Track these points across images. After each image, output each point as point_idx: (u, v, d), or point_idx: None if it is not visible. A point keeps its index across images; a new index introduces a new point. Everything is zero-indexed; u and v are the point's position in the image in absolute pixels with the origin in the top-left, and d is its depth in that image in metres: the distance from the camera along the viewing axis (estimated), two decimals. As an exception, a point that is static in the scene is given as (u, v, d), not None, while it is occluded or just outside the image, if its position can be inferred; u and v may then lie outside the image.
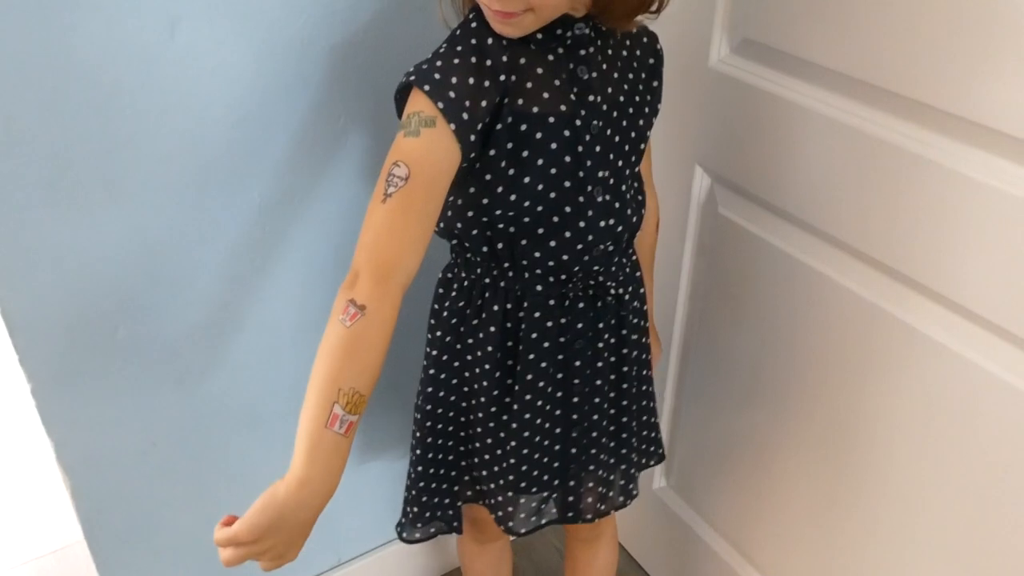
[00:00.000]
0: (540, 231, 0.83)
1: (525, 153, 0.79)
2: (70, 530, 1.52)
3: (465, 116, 0.74)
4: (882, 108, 0.85)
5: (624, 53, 0.84)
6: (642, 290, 0.97)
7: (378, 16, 0.95)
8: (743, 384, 1.13)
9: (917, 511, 0.92)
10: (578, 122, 0.79)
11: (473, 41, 0.77)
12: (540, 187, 0.80)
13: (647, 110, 0.88)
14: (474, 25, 0.78)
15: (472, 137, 0.75)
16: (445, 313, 0.91)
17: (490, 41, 0.77)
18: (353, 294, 0.70)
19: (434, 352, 0.92)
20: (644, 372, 0.99)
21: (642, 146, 0.89)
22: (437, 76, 0.74)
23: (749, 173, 1.02)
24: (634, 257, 0.95)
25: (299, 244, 1.03)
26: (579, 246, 0.84)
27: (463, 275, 0.89)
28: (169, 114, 0.87)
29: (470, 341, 0.90)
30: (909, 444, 0.91)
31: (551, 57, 0.79)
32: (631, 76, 0.85)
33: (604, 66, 0.82)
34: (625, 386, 0.96)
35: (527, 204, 0.81)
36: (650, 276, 1.07)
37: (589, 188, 0.82)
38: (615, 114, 0.83)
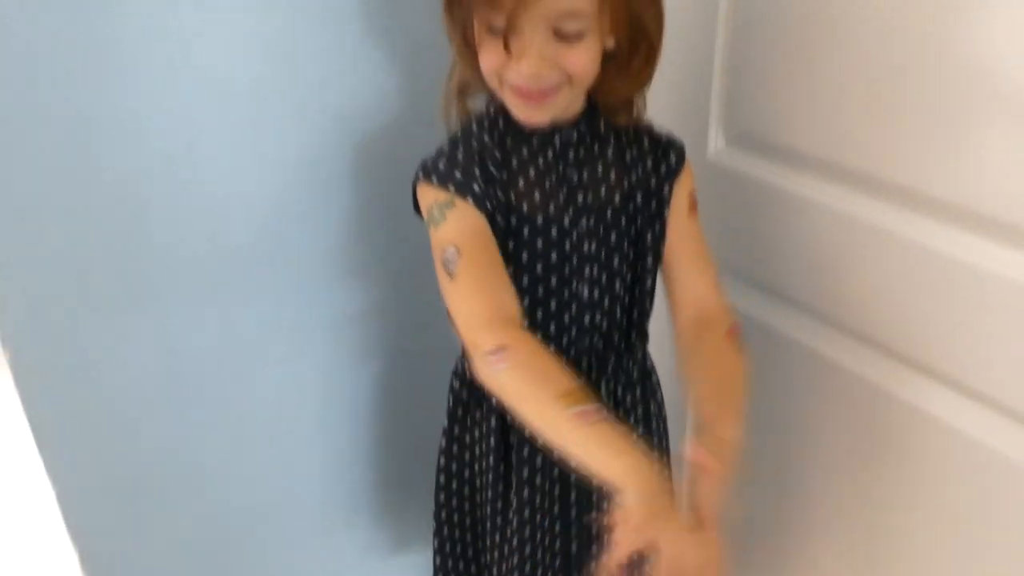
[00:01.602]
0: (527, 322, 0.83)
1: (511, 246, 0.81)
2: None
3: (476, 188, 0.78)
4: (875, 195, 0.86)
5: (628, 158, 0.85)
6: (659, 400, 0.94)
7: (388, 127, 1.00)
8: (757, 469, 1.12)
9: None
10: (566, 222, 0.82)
11: (473, 143, 0.81)
12: (526, 281, 0.82)
13: (650, 214, 0.86)
14: (474, 128, 0.82)
15: (489, 205, 0.79)
16: (451, 404, 0.93)
17: (486, 139, 0.81)
18: (485, 349, 0.72)
19: (443, 443, 0.94)
20: None
21: (647, 246, 0.87)
22: (441, 167, 0.79)
23: (751, 260, 1.04)
24: (648, 364, 0.93)
25: (316, 344, 1.05)
26: (564, 340, 0.85)
27: (467, 365, 0.90)
28: (189, 224, 0.92)
29: (475, 433, 0.91)
30: (926, 528, 0.89)
31: (542, 160, 0.82)
32: (635, 178, 0.85)
33: (599, 167, 0.84)
34: None
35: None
36: (725, 397, 0.82)
37: (575, 284, 0.83)
38: (610, 215, 0.84)
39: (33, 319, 0.86)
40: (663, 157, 0.86)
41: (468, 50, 0.79)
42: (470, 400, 0.91)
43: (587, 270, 0.84)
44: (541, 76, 0.74)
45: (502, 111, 0.81)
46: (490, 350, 0.71)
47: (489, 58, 0.76)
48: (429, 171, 0.80)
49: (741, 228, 1.04)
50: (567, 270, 0.83)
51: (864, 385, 0.92)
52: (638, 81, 0.81)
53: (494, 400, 0.87)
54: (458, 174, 0.79)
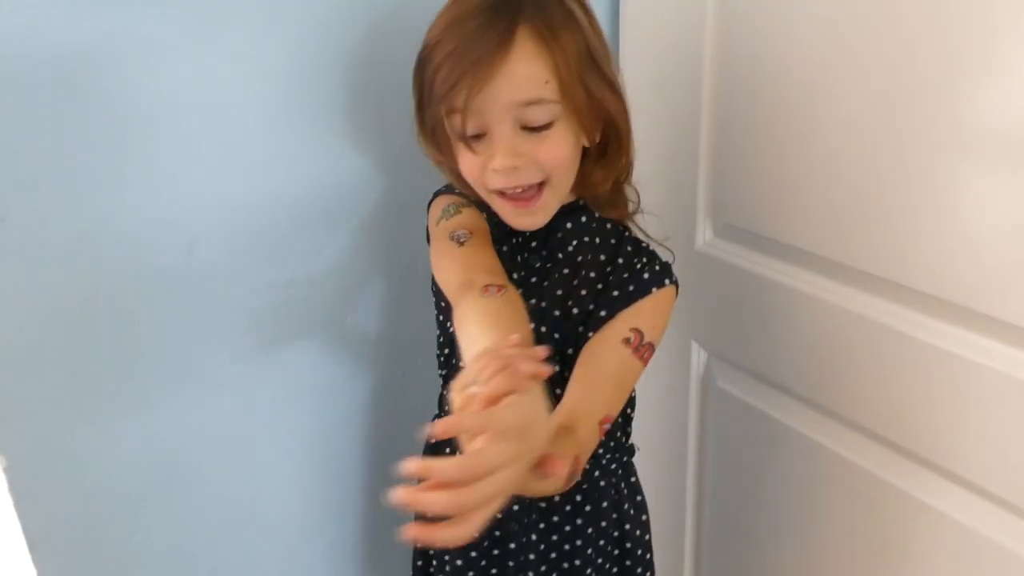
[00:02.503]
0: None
1: None
2: None
3: (487, 212, 0.82)
4: (860, 287, 0.88)
5: (593, 273, 0.83)
6: (626, 512, 0.90)
7: (386, 231, 1.02)
8: (762, 563, 1.11)
9: None
10: None
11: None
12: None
13: (599, 305, 0.82)
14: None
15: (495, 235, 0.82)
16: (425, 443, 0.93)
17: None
18: (484, 283, 0.72)
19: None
20: None
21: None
22: (458, 190, 0.85)
23: (742, 348, 1.05)
24: (612, 467, 0.89)
25: (316, 439, 1.06)
26: None
27: (438, 409, 0.92)
28: (186, 326, 0.93)
29: None
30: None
31: (506, 247, 0.84)
32: (597, 290, 0.82)
33: (561, 256, 0.83)
34: None
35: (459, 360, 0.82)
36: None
37: None
38: (563, 311, 0.82)
39: (27, 422, 0.86)
40: (632, 281, 0.82)
41: (444, 159, 0.81)
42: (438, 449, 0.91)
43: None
44: (517, 170, 0.73)
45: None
46: (485, 286, 0.71)
47: (467, 166, 0.77)
48: (450, 187, 0.86)
49: (730, 317, 1.05)
50: None
51: (857, 472, 0.92)
52: (615, 169, 0.82)
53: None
54: (475, 199, 0.83)
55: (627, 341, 0.78)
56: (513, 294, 0.72)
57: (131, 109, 0.83)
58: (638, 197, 0.89)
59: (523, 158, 0.73)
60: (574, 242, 0.84)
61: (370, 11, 0.93)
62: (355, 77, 0.94)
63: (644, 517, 0.94)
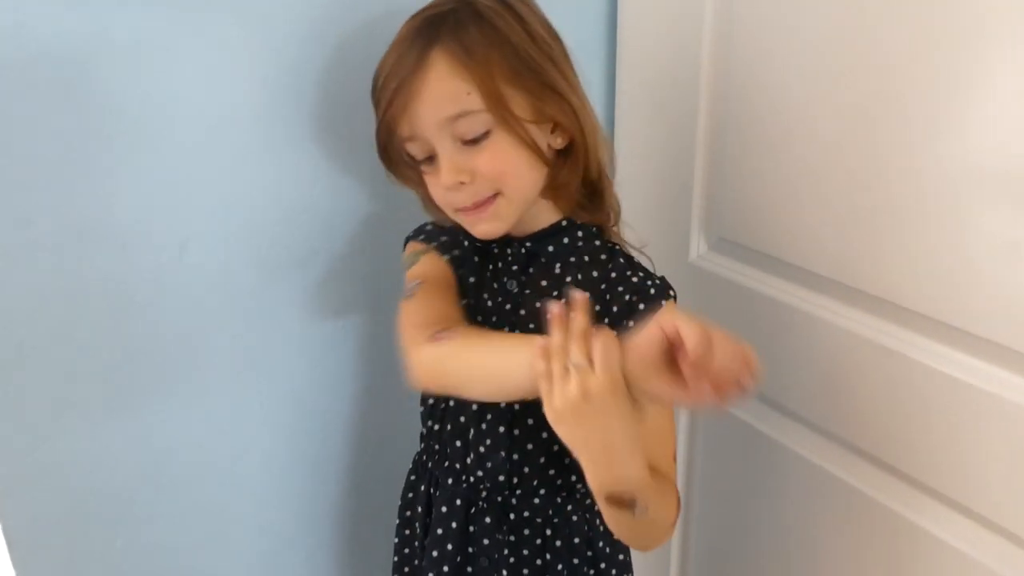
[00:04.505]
0: (460, 418, 0.84)
1: None
2: None
3: (456, 252, 0.84)
4: (854, 305, 0.88)
5: (585, 290, 0.78)
6: (601, 550, 0.87)
7: (378, 236, 1.02)
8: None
9: None
10: (488, 326, 0.83)
11: (444, 236, 0.88)
12: None
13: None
14: (447, 224, 0.88)
15: (460, 272, 0.84)
16: (404, 485, 0.94)
17: (455, 235, 0.87)
18: (428, 335, 0.74)
19: (396, 522, 0.95)
20: None
21: None
22: (429, 227, 0.89)
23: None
24: (587, 502, 0.86)
25: (302, 444, 1.05)
26: (480, 448, 0.83)
27: (417, 450, 0.93)
28: (176, 327, 0.92)
29: (415, 525, 0.91)
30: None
31: (488, 272, 0.85)
32: (595, 307, 0.80)
33: (543, 285, 0.83)
34: None
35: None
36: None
37: None
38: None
39: (9, 421, 0.85)
40: (627, 310, 0.80)
41: (409, 186, 0.85)
42: (415, 488, 0.92)
43: None
44: (464, 186, 0.76)
45: None
46: (433, 333, 0.74)
47: (432, 191, 0.81)
48: (420, 231, 0.89)
49: (726, 331, 1.05)
50: None
51: (845, 489, 0.92)
52: (579, 167, 0.81)
53: (421, 488, 0.89)
54: (443, 237, 0.86)
55: None
56: (464, 332, 0.75)
57: (123, 109, 0.83)
58: (619, 206, 0.88)
59: (467, 173, 0.76)
60: (558, 264, 0.83)
61: (366, 13, 0.93)
62: (351, 78, 0.94)
63: (622, 557, 0.90)
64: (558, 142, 0.80)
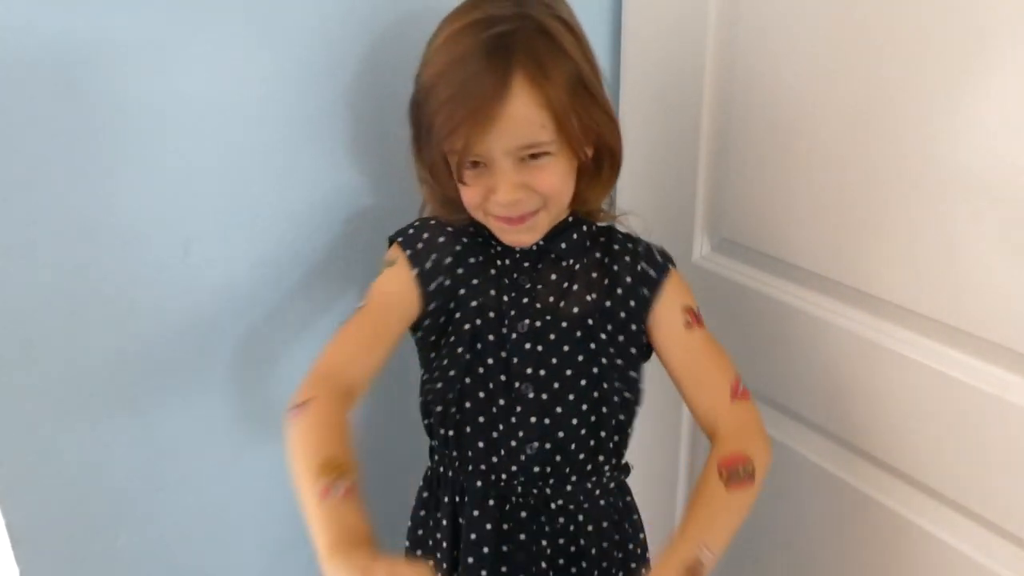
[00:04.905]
0: (480, 419, 0.83)
1: (453, 340, 0.83)
2: None
3: (428, 265, 0.83)
4: (857, 306, 0.88)
5: (594, 274, 0.85)
6: (626, 531, 0.89)
7: (384, 236, 1.01)
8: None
9: None
10: (506, 322, 0.83)
11: (440, 236, 0.86)
12: (468, 380, 0.83)
13: (617, 337, 0.85)
14: (445, 223, 0.87)
15: (432, 286, 0.83)
16: (415, 503, 0.93)
17: (451, 234, 0.85)
18: (294, 402, 0.74)
19: (407, 543, 0.93)
20: None
21: (610, 367, 0.83)
22: (411, 231, 0.86)
23: (739, 367, 1.04)
24: (611, 485, 0.88)
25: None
26: (512, 442, 0.83)
27: (430, 463, 0.91)
28: (178, 327, 0.92)
29: (436, 536, 0.89)
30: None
31: (498, 264, 0.85)
32: (599, 293, 0.84)
33: (560, 279, 0.84)
34: None
35: (454, 395, 0.83)
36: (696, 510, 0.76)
37: (517, 384, 0.83)
38: (565, 324, 0.83)
39: (14, 419, 0.86)
40: (641, 280, 0.85)
41: (438, 186, 0.82)
42: (429, 504, 0.91)
43: (530, 370, 0.83)
44: (519, 202, 0.77)
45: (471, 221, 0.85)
46: (295, 404, 0.73)
47: (470, 195, 0.79)
48: (399, 234, 0.87)
49: (725, 332, 1.04)
50: (508, 368, 0.83)
51: (852, 492, 0.92)
52: (610, 185, 0.85)
53: (445, 499, 0.87)
54: (420, 244, 0.84)
55: (688, 324, 0.85)
56: (313, 407, 0.74)
57: (126, 108, 0.83)
58: (612, 202, 0.91)
59: (524, 190, 0.77)
60: (570, 260, 0.85)
61: (372, 14, 0.93)
62: (355, 79, 0.94)
63: (642, 536, 0.93)
64: (589, 152, 0.81)
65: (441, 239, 0.85)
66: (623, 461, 0.90)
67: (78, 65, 0.79)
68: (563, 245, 0.85)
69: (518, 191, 0.76)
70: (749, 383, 1.02)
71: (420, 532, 0.92)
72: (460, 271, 0.84)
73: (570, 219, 0.86)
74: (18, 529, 0.88)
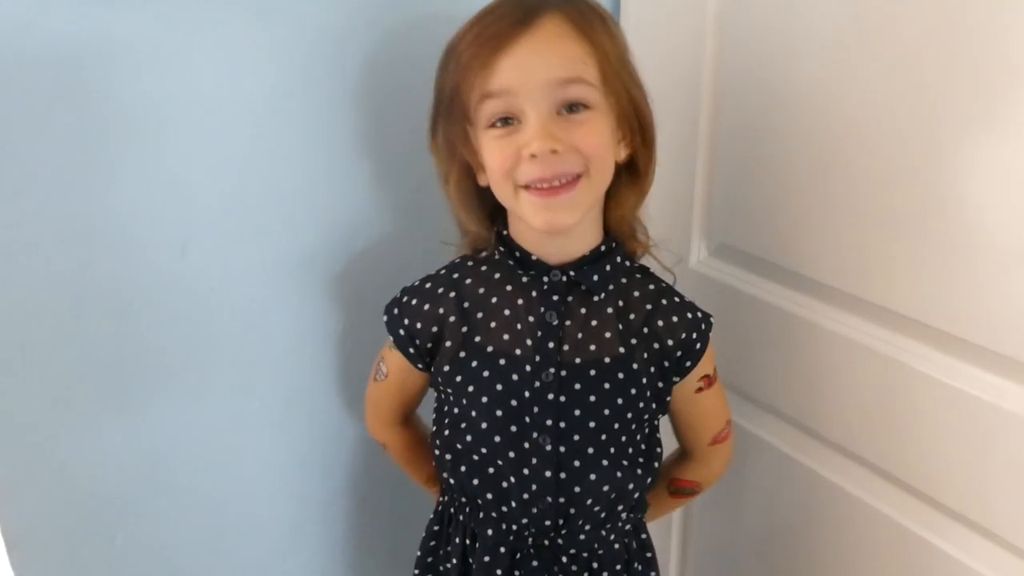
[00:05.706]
0: (490, 470, 0.80)
1: (471, 389, 0.79)
2: None
3: (412, 351, 0.84)
4: (855, 313, 0.88)
5: (631, 316, 0.79)
6: (637, 571, 0.86)
7: (380, 239, 1.02)
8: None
9: None
10: (528, 367, 0.77)
11: (455, 275, 0.82)
12: (484, 425, 0.78)
13: (648, 380, 0.80)
14: (456, 260, 0.84)
15: (424, 361, 0.85)
16: (425, 534, 0.91)
17: (468, 282, 0.82)
18: (376, 439, 0.97)
19: (416, 572, 0.92)
20: None
21: (631, 415, 0.79)
22: (405, 298, 0.84)
23: (733, 368, 1.04)
24: (640, 539, 0.87)
25: (302, 445, 1.05)
26: (524, 495, 0.79)
27: (443, 498, 0.89)
28: (177, 328, 0.92)
29: (447, 565, 0.87)
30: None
31: (521, 300, 0.79)
32: (633, 341, 0.79)
33: (590, 319, 0.78)
34: None
35: (470, 440, 0.79)
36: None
37: (535, 435, 0.77)
38: (592, 372, 0.78)
39: (10, 422, 0.85)
40: (686, 349, 0.81)
41: (455, 170, 0.78)
42: (440, 537, 0.89)
43: (549, 421, 0.77)
44: (556, 156, 0.68)
45: (503, 244, 0.80)
46: (379, 441, 0.97)
47: (498, 160, 0.71)
48: (391, 305, 0.86)
49: (722, 337, 1.05)
50: (527, 418, 0.77)
51: (849, 498, 0.92)
52: (645, 189, 0.80)
53: (456, 540, 0.86)
54: (401, 330, 0.83)
55: (699, 390, 0.86)
56: (394, 448, 0.98)
57: (125, 109, 0.82)
58: (647, 234, 0.87)
59: (562, 143, 0.68)
60: (602, 294, 0.79)
61: (371, 13, 0.92)
62: (354, 80, 0.94)
63: (651, 570, 0.89)
64: (622, 155, 0.77)
65: (427, 306, 0.82)
66: (642, 498, 0.87)
67: (78, 65, 0.78)
68: (595, 277, 0.78)
69: (555, 141, 0.68)
70: (745, 388, 1.03)
71: (430, 560, 0.90)
72: (480, 315, 0.80)
73: (602, 247, 0.80)
74: (14, 531, 0.88)
